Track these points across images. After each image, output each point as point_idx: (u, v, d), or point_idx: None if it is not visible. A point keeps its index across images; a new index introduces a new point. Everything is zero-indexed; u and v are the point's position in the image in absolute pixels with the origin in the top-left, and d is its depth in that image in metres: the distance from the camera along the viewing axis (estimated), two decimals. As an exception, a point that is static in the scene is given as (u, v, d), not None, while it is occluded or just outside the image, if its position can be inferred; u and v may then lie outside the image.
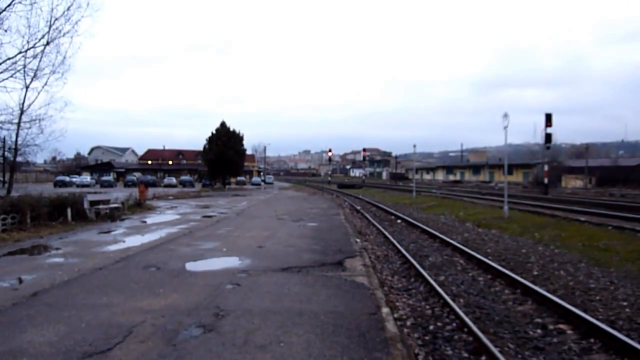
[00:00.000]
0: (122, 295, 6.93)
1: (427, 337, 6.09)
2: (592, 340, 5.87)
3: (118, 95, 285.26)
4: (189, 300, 6.66)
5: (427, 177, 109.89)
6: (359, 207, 27.29)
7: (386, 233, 15.48)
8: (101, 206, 19.12)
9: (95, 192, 31.44)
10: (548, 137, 34.84)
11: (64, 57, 19.37)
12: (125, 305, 6.39)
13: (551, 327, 6.46)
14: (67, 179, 61.31)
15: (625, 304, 7.28)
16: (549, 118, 33.85)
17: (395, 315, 6.59)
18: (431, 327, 6.49)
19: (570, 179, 59.71)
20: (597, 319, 6.38)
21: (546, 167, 40.24)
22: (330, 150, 68.37)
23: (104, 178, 65.97)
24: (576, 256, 10.88)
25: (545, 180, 38.83)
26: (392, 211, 24.02)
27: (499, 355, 5.14)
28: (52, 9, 18.67)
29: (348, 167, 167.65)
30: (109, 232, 14.80)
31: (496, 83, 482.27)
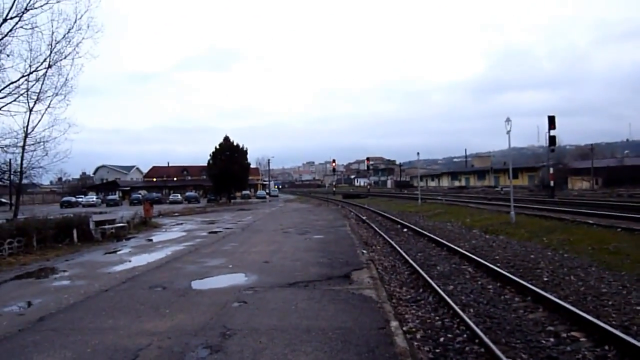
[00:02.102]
0: (128, 317, 6.87)
1: (437, 350, 5.98)
2: (606, 347, 5.75)
3: (117, 113, 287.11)
4: (196, 320, 6.60)
5: (432, 184, 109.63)
6: (364, 217, 27.19)
7: (393, 243, 15.37)
8: (107, 226, 19.14)
9: (101, 212, 31.54)
10: (552, 139, 34.69)
11: (66, 79, 19.51)
12: (131, 328, 6.33)
13: (564, 335, 6.33)
14: (73, 199, 61.65)
15: (639, 308, 7.14)
16: (552, 120, 33.75)
17: (405, 329, 6.49)
18: (442, 339, 6.38)
19: (576, 181, 59.41)
20: (611, 325, 6.26)
21: (551, 170, 40.03)
22: (334, 161, 68.40)
23: (110, 197, 66.27)
24: (586, 260, 10.74)
25: (552, 183, 38.60)
26: (398, 220, 23.91)
27: (511, 366, 5.04)
28: (53, 32, 18.76)
29: (352, 176, 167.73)
30: (115, 252, 14.78)
31: (496, 87, 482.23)
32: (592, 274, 9.50)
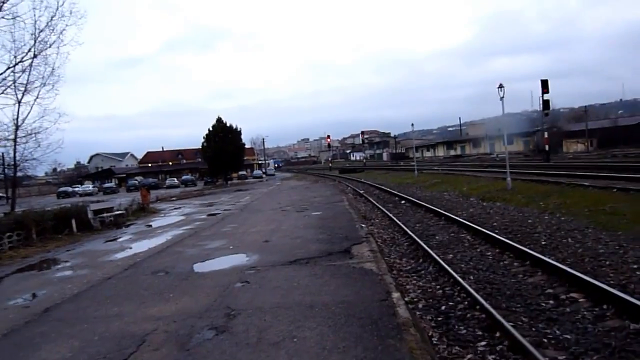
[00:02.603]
0: (133, 304, 6.94)
1: (439, 319, 6.08)
2: (605, 306, 5.85)
3: (107, 100, 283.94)
4: (200, 302, 6.67)
5: (428, 154, 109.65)
6: (361, 191, 27.27)
7: (391, 215, 15.46)
8: (105, 214, 19.15)
9: (99, 201, 31.54)
10: (546, 103, 34.66)
11: (53, 69, 19.15)
12: (136, 314, 6.40)
13: (563, 297, 6.43)
14: (69, 189, 61.44)
15: (635, 266, 7.24)
16: (545, 84, 33.62)
17: (407, 299, 6.58)
18: (443, 308, 6.48)
19: (571, 144, 59.54)
20: (609, 285, 6.36)
21: (546, 134, 40.06)
22: (329, 137, 68.39)
23: (106, 185, 66.20)
24: (583, 222, 10.84)
25: (546, 147, 38.68)
26: (395, 192, 23.98)
27: (512, 330, 5.14)
28: (36, 21, 18.34)
29: (348, 151, 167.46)
30: (115, 239, 14.83)
31: (487, 52, 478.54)
32: (589, 235, 9.60)
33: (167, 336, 5.41)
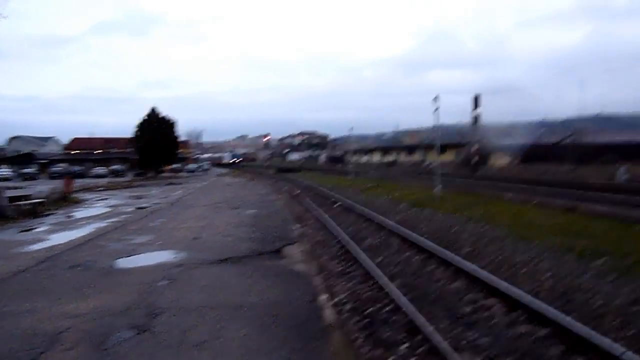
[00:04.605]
0: (47, 300, 6.50)
1: (365, 321, 6.19)
2: (518, 312, 6.22)
3: (30, 80, 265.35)
4: (121, 300, 6.37)
5: (365, 158, 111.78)
6: (297, 192, 27.31)
7: (325, 217, 15.58)
8: (22, 202, 17.86)
9: (16, 187, 29.36)
10: (476, 118, 36.42)
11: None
12: (50, 311, 6.00)
13: (481, 302, 6.77)
14: (-17, 173, 56.70)
15: (547, 275, 7.76)
16: (476, 100, 35.36)
17: (334, 301, 6.65)
18: (369, 310, 6.61)
19: (497, 157, 62.92)
20: (522, 292, 6.76)
21: (475, 147, 42.11)
22: (266, 135, 67.88)
23: (26, 170, 61.68)
24: (503, 232, 11.47)
25: (475, 159, 40.65)
26: (331, 194, 24.22)
27: (432, 333, 5.33)
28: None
29: (286, 151, 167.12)
30: (31, 229, 13.86)
31: (423, 64, 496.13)
32: (508, 244, 10.17)
33: (82, 335, 5.12)
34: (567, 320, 5.50)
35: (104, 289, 7.01)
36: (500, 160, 61.64)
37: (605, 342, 4.90)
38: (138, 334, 5.12)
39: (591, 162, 45.15)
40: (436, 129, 22.45)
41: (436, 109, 19.76)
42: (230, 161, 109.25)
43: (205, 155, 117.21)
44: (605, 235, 10.08)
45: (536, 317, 5.90)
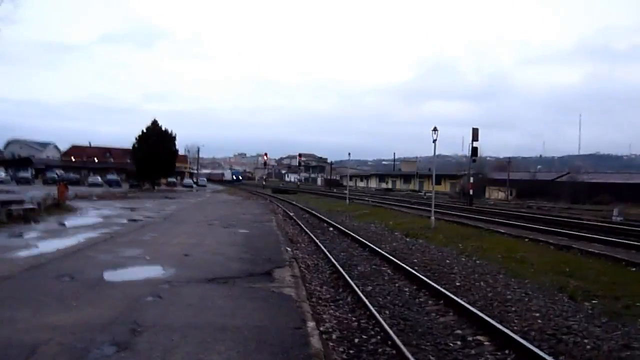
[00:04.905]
0: (29, 309, 6.37)
1: (351, 351, 6.10)
2: (507, 351, 6.13)
3: (32, 84, 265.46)
4: (104, 314, 6.24)
5: (361, 184, 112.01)
6: (292, 214, 27.23)
7: (317, 241, 15.50)
8: (14, 207, 17.68)
9: (9, 191, 29.23)
10: (474, 150, 36.63)
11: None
12: (31, 321, 5.87)
13: (470, 338, 6.68)
14: (-24, 174, 56.34)
15: (537, 314, 7.69)
16: (475, 133, 35.61)
17: (322, 329, 6.55)
18: (356, 340, 6.51)
19: (493, 191, 63.15)
20: (512, 331, 6.69)
21: (471, 180, 42.25)
22: (265, 155, 68.03)
23: (21, 174, 61.20)
24: (495, 267, 11.41)
25: (470, 192, 40.74)
26: (325, 218, 24.17)
27: (419, 369, 5.24)
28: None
29: (284, 171, 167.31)
30: (21, 235, 13.69)
31: (424, 95, 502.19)
32: (500, 280, 10.10)
33: (61, 349, 4.99)
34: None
35: (88, 301, 6.87)
36: (496, 194, 61.83)
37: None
38: (118, 351, 4.99)
39: (586, 200, 45.41)
40: (433, 159, 22.54)
41: (434, 140, 19.88)
42: (232, 179, 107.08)
43: (205, 171, 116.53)
44: (597, 276, 10.02)
45: (526, 357, 5.81)
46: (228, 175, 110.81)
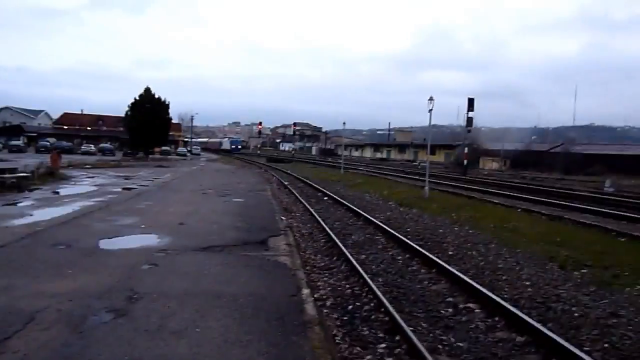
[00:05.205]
0: (26, 277, 6.42)
1: (345, 318, 6.21)
2: (497, 318, 6.27)
3: (21, 50, 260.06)
4: (101, 282, 6.31)
5: (356, 154, 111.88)
6: (287, 183, 27.27)
7: (312, 210, 15.58)
8: (7, 175, 17.59)
9: (1, 159, 29.00)
10: (469, 120, 36.61)
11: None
12: (28, 289, 5.93)
13: (461, 306, 6.82)
14: (-33, 142, 55.80)
15: (527, 283, 7.83)
16: (471, 103, 35.49)
17: (316, 296, 6.65)
18: (350, 307, 6.63)
19: (487, 161, 63.32)
20: (502, 298, 6.82)
21: (466, 150, 42.29)
22: (260, 124, 67.60)
23: (13, 142, 60.63)
24: (488, 237, 11.54)
25: (465, 162, 40.85)
26: (320, 188, 24.21)
27: (411, 334, 5.36)
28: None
29: (278, 140, 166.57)
30: (14, 204, 13.67)
31: (420, 63, 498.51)
32: (492, 250, 10.24)
33: (59, 315, 5.06)
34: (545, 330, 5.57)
35: (84, 269, 6.94)
36: (490, 164, 62.05)
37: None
38: (116, 317, 5.07)
39: (579, 171, 45.70)
40: (429, 129, 22.50)
41: (430, 110, 19.81)
42: (230, 148, 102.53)
43: (200, 139, 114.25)
44: (587, 246, 10.19)
45: (515, 324, 5.95)
46: (226, 144, 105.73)
